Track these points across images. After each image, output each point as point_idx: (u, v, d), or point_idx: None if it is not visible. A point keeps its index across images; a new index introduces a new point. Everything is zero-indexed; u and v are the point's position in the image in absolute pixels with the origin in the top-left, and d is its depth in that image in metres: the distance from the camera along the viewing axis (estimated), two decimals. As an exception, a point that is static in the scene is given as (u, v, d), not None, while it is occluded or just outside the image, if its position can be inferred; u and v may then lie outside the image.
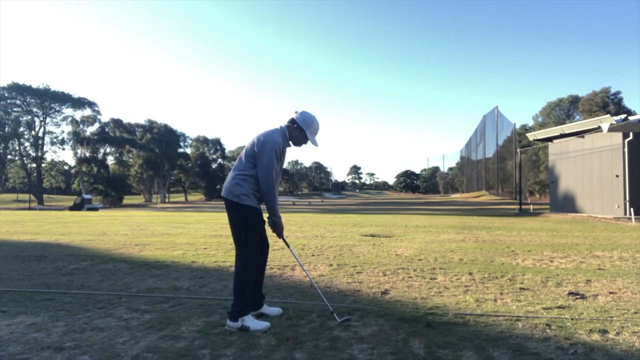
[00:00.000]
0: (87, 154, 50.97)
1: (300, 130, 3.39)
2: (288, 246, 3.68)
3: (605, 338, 2.93)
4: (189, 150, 66.86)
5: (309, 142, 3.45)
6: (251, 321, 3.15)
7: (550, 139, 19.68)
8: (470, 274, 5.21)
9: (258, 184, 3.28)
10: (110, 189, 50.48)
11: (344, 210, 25.15)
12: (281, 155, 3.36)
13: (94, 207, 35.81)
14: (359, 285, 4.60)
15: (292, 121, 3.42)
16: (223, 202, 3.39)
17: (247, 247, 3.28)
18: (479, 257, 6.48)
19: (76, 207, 35.69)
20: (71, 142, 50.72)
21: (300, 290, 4.41)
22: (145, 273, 5.42)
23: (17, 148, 50.24)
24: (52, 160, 54.18)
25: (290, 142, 3.47)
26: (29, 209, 38.59)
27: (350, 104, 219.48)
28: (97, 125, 52.81)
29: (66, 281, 4.97)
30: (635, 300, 3.96)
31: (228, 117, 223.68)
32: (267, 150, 3.23)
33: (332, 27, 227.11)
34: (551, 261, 6.11)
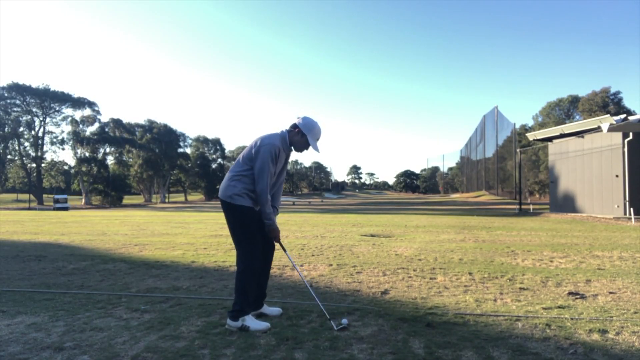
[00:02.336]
0: (87, 154, 50.92)
1: (301, 135, 3.40)
2: (284, 250, 3.63)
3: (605, 338, 2.93)
4: (188, 150, 66.80)
5: (310, 147, 3.45)
6: (251, 321, 3.15)
7: (550, 139, 19.69)
8: (470, 274, 5.21)
9: (253, 185, 3.28)
10: (110, 189, 50.46)
11: (344, 210, 25.14)
12: (278, 159, 3.33)
13: (63, 207, 36.76)
14: (358, 285, 4.60)
15: (294, 126, 3.43)
16: None
17: (247, 247, 3.27)
18: (479, 257, 6.48)
19: (53, 207, 37.14)
20: (71, 142, 50.67)
21: (300, 290, 4.41)
22: (145, 273, 5.42)
23: (17, 148, 50.20)
24: (52, 160, 54.11)
25: (292, 147, 3.47)
26: (29, 209, 38.61)
27: (350, 104, 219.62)
28: (97, 125, 52.75)
29: (66, 281, 4.97)
30: (635, 300, 3.96)
31: (228, 117, 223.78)
32: (263, 152, 3.23)
33: (332, 27, 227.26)
34: (551, 261, 6.12)
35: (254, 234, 3.29)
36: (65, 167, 58.45)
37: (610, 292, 4.24)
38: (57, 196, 39.51)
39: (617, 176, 15.43)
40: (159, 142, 57.97)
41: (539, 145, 28.82)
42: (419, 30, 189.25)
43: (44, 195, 51.44)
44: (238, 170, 3.31)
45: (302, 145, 3.45)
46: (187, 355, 2.65)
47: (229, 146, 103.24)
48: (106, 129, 53.58)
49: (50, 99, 49.78)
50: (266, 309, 3.50)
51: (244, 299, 3.19)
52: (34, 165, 50.70)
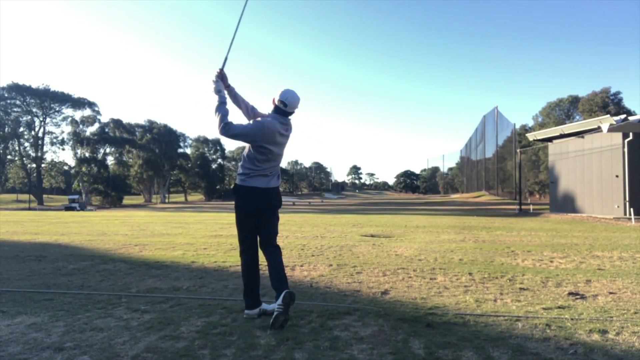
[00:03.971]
0: (87, 154, 50.98)
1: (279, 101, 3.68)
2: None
3: (605, 338, 2.93)
4: (188, 151, 66.88)
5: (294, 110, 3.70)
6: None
7: (550, 139, 19.69)
8: (470, 274, 5.21)
9: (252, 163, 3.44)
10: (110, 189, 50.53)
11: (344, 211, 25.13)
12: (269, 133, 3.50)
13: (70, 206, 37.39)
14: (359, 285, 4.60)
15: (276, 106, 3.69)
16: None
17: (240, 239, 3.48)
18: (479, 257, 6.48)
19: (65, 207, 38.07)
20: (71, 143, 50.76)
21: (300, 290, 4.41)
22: (145, 273, 5.42)
23: (17, 148, 50.30)
24: (52, 160, 54.16)
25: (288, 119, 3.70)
26: (29, 209, 38.67)
27: (350, 104, 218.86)
28: (97, 125, 52.86)
29: (66, 281, 4.97)
30: (635, 300, 3.96)
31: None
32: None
33: (332, 27, 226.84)
34: (551, 261, 6.11)
35: (244, 225, 3.46)
36: (66, 168, 58.49)
37: (610, 293, 4.24)
38: (70, 196, 40.53)
39: (617, 176, 15.43)
40: (159, 142, 57.99)
41: (539, 145, 28.83)
42: (419, 30, 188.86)
43: (45, 196, 51.49)
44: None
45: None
46: (187, 355, 2.65)
47: (229, 146, 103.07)
48: (106, 129, 53.64)
49: (50, 99, 49.85)
50: (265, 306, 3.51)
51: (244, 291, 3.45)
52: (34, 165, 50.75)
